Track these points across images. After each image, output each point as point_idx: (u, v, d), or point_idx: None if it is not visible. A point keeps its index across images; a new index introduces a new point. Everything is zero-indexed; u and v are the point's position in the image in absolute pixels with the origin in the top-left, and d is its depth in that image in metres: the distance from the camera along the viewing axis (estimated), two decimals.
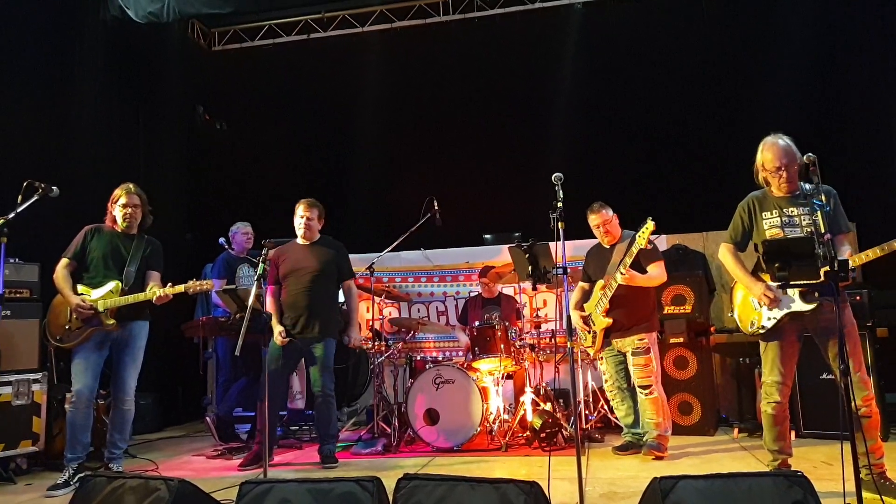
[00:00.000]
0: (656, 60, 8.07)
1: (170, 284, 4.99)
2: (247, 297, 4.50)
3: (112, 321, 4.94)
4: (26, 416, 5.33)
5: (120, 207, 5.13)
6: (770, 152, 3.99)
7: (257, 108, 9.39)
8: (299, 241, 5.64)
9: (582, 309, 5.54)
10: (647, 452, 5.12)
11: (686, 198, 7.72)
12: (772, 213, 4.06)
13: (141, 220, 5.24)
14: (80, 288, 4.99)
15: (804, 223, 3.93)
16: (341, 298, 5.89)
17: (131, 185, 5.21)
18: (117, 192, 5.18)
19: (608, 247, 5.45)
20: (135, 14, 7.60)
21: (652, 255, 5.27)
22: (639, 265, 5.20)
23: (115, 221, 5.18)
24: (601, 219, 5.40)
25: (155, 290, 4.97)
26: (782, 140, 3.99)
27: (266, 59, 9.28)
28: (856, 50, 7.31)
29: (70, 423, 4.92)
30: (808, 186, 3.96)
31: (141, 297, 4.97)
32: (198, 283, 4.98)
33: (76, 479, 4.69)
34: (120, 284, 5.01)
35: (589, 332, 5.48)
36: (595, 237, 5.58)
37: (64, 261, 5.03)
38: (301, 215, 5.59)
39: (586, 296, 5.54)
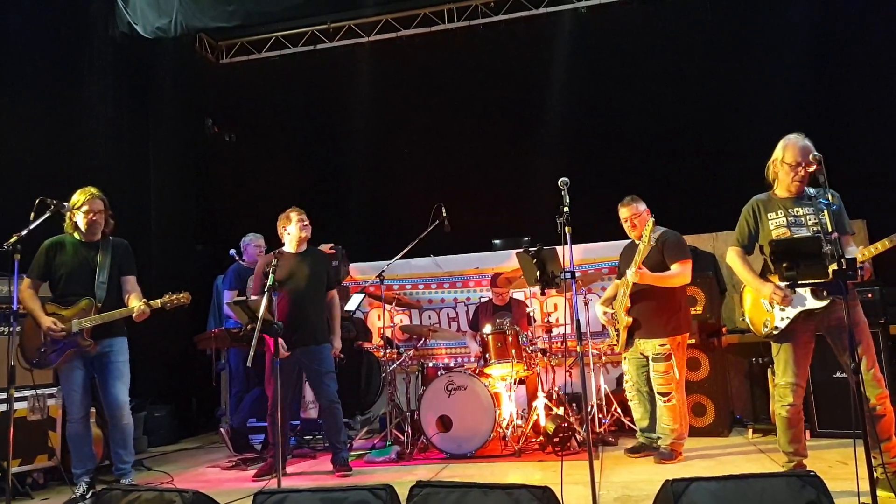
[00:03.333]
0: (662, 61, 8.06)
1: (145, 301, 4.79)
2: (257, 307, 4.52)
3: (90, 342, 4.76)
4: (42, 430, 5.37)
5: (83, 214, 4.85)
6: (793, 149, 4.02)
7: (265, 120, 9.46)
8: (289, 249, 5.57)
9: (611, 305, 5.50)
10: (657, 461, 5.08)
11: (695, 199, 7.68)
12: (777, 214, 4.07)
13: (104, 225, 4.99)
14: (51, 307, 4.79)
15: (810, 223, 3.95)
16: None
17: (93, 189, 4.94)
18: (78, 196, 4.89)
19: (638, 242, 5.31)
20: (143, 29, 7.69)
21: (677, 254, 5.17)
22: (663, 263, 5.15)
23: (76, 228, 4.92)
24: (630, 212, 5.31)
25: (134, 308, 4.76)
26: (805, 140, 4.03)
27: (273, 71, 9.34)
28: (862, 46, 7.27)
29: (70, 438, 4.93)
30: (811, 191, 4.02)
31: (117, 314, 4.79)
32: (173, 296, 4.83)
33: (90, 492, 4.73)
34: (92, 302, 4.81)
35: (615, 330, 5.46)
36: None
37: (27, 280, 4.76)
38: (299, 220, 5.55)
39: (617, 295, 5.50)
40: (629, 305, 5.23)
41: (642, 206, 5.33)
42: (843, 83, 7.38)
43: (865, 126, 7.08)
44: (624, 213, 5.36)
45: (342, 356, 5.79)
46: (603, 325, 5.75)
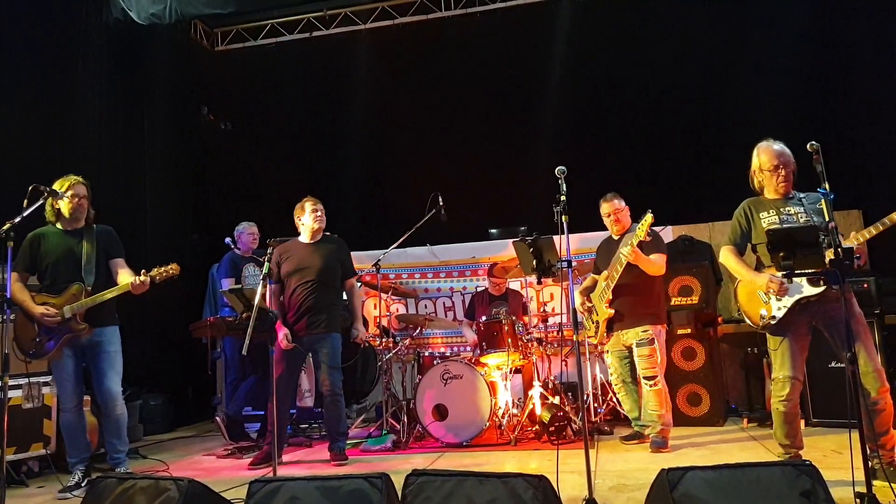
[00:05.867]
0: (660, 49, 8.02)
1: (143, 271, 4.77)
2: (253, 296, 4.50)
3: (84, 325, 4.76)
4: (37, 419, 5.35)
5: (69, 198, 4.82)
6: (766, 153, 4.15)
7: (261, 108, 9.42)
8: (303, 239, 5.60)
9: (588, 298, 5.58)
10: (654, 450, 5.09)
11: (692, 189, 7.69)
12: (769, 213, 4.13)
13: (86, 212, 4.95)
14: (41, 297, 4.79)
15: (801, 220, 3.99)
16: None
17: (75, 176, 4.90)
18: (61, 182, 4.85)
19: (617, 238, 5.47)
20: (137, 16, 7.63)
21: (654, 247, 5.26)
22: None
23: (59, 217, 4.91)
24: (612, 208, 5.44)
25: (128, 281, 4.75)
26: (777, 143, 4.16)
27: (269, 59, 9.31)
28: (860, 37, 7.25)
29: (64, 426, 4.93)
30: (801, 194, 4.11)
31: (111, 292, 4.78)
32: (162, 269, 4.80)
33: (86, 480, 4.72)
34: (82, 286, 4.79)
35: (591, 321, 5.51)
36: (603, 230, 5.60)
37: (14, 275, 4.67)
38: (313, 209, 5.55)
39: (595, 287, 5.57)
40: (611, 298, 5.30)
41: (623, 203, 5.49)
42: (840, 73, 7.37)
43: (863, 116, 7.07)
44: (605, 208, 5.50)
45: (366, 342, 5.92)
46: None
